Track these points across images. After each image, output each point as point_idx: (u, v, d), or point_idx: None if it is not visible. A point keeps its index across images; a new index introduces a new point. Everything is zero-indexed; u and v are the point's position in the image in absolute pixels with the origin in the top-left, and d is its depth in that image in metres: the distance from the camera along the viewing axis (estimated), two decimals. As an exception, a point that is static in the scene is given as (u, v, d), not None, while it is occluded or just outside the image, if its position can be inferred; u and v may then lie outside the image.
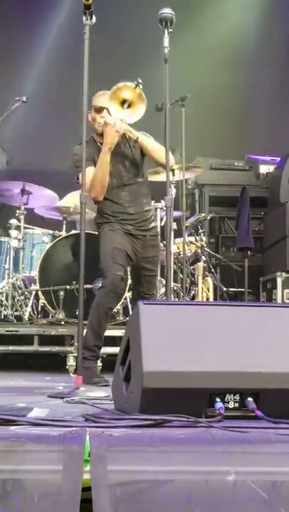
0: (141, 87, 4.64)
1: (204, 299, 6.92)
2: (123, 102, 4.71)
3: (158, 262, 5.32)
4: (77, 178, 4.92)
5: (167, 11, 4.26)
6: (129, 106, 4.70)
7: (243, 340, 2.78)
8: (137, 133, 5.01)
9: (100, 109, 5.02)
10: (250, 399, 2.68)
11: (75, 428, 2.28)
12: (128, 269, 5.06)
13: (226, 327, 2.80)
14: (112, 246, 4.87)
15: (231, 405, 2.69)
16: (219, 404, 2.62)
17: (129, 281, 6.26)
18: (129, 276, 6.14)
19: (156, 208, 6.88)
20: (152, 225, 5.18)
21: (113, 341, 5.84)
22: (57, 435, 2.20)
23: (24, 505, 2.11)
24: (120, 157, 5.06)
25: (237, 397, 2.69)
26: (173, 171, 6.75)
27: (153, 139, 5.02)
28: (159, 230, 5.86)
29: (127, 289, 6.40)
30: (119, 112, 4.71)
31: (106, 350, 5.39)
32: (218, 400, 2.64)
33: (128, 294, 6.54)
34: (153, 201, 6.95)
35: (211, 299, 7.05)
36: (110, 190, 5.03)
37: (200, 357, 2.70)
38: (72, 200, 7.16)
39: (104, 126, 4.91)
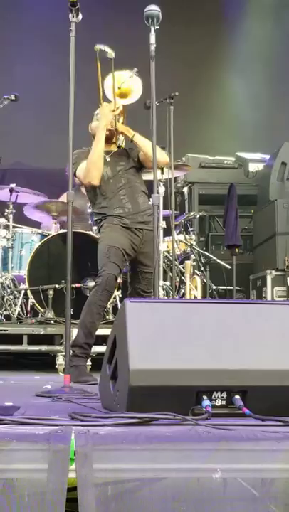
0: (136, 75, 4.75)
1: (192, 297, 6.92)
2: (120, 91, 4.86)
3: (154, 259, 5.30)
4: (74, 175, 4.97)
5: (153, 8, 4.25)
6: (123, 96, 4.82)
7: (230, 337, 2.77)
8: (132, 131, 5.13)
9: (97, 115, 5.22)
10: (237, 396, 2.66)
11: (60, 426, 2.26)
12: (124, 267, 5.04)
13: (212, 324, 2.79)
14: (109, 244, 4.87)
15: (218, 403, 2.67)
16: (206, 402, 2.61)
17: (119, 280, 6.27)
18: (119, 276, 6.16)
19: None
20: (150, 218, 5.18)
21: (103, 340, 5.82)
22: (42, 434, 2.18)
23: (9, 504, 2.10)
24: (116, 155, 5.16)
25: (224, 395, 2.68)
26: (162, 169, 6.74)
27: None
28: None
29: (116, 287, 6.41)
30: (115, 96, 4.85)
31: (96, 349, 5.38)
32: (205, 397, 2.63)
33: (117, 293, 6.54)
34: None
35: (199, 297, 7.04)
36: (106, 182, 5.05)
37: (187, 354, 2.69)
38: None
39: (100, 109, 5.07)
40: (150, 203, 4.92)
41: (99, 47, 4.63)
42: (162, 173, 6.74)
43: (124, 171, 5.13)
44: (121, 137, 5.20)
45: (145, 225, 5.05)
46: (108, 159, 5.12)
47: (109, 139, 5.17)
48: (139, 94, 5.08)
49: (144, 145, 5.02)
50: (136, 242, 5.00)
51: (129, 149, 5.27)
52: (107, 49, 4.59)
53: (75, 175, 5.06)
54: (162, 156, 5.15)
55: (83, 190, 5.93)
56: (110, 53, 4.65)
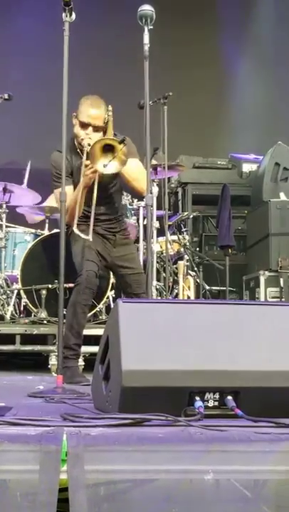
0: (125, 144, 4.60)
1: (185, 298, 6.92)
2: (105, 148, 4.61)
3: (136, 260, 5.26)
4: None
5: (147, 8, 4.25)
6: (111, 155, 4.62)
7: (223, 338, 2.77)
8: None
9: (85, 125, 4.89)
10: (229, 397, 2.66)
11: (52, 427, 2.26)
12: (100, 265, 4.99)
13: (205, 325, 2.79)
14: (82, 245, 4.83)
15: (211, 404, 2.67)
16: (199, 403, 2.61)
17: (112, 280, 6.27)
18: (111, 275, 6.15)
19: (138, 207, 6.88)
20: (122, 227, 5.15)
21: (96, 340, 5.82)
22: (34, 434, 2.18)
23: (1, 505, 2.09)
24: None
25: (216, 396, 2.68)
26: (155, 169, 6.74)
27: (136, 150, 4.96)
28: (141, 228, 5.86)
29: (109, 288, 6.40)
30: (100, 159, 4.64)
31: (89, 349, 5.38)
32: (197, 398, 2.63)
33: (111, 293, 6.54)
34: (136, 200, 6.98)
35: (192, 297, 7.04)
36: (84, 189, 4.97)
37: (179, 355, 2.69)
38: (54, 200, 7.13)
39: (84, 168, 4.78)
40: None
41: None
42: (156, 173, 6.75)
43: (103, 183, 4.95)
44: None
45: (118, 233, 5.04)
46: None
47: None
48: (120, 167, 4.69)
49: (129, 177, 4.86)
50: (108, 247, 5.01)
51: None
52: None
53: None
54: (141, 184, 4.81)
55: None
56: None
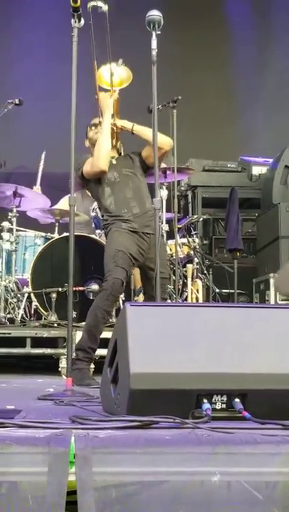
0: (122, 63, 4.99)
1: (194, 301, 6.93)
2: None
3: (166, 265, 5.30)
4: (80, 177, 5.07)
5: (155, 13, 4.27)
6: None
7: (230, 341, 2.78)
8: (131, 124, 5.20)
9: (93, 126, 5.26)
10: (237, 400, 2.68)
11: (60, 430, 2.28)
12: (131, 271, 5.05)
13: (213, 328, 2.81)
14: (116, 248, 4.87)
15: (219, 406, 2.69)
16: (206, 406, 2.62)
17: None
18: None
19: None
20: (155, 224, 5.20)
21: (106, 343, 5.81)
22: (42, 437, 2.20)
23: (10, 507, 2.11)
24: (121, 159, 5.24)
25: (224, 398, 2.70)
26: (165, 173, 6.76)
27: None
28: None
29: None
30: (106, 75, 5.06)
31: (98, 352, 5.39)
32: (205, 401, 2.65)
33: (121, 296, 6.55)
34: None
35: (201, 300, 7.05)
36: (113, 183, 5.07)
37: (187, 358, 2.70)
38: (67, 203, 7.15)
39: (98, 100, 5.19)
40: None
41: (91, 3, 4.48)
42: (165, 177, 6.76)
43: (132, 174, 5.16)
44: (120, 145, 5.25)
45: (151, 230, 5.07)
46: (114, 162, 5.15)
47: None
48: (129, 80, 5.16)
49: (146, 133, 5.05)
50: (143, 247, 5.00)
51: (132, 153, 5.30)
52: (99, 3, 4.46)
53: (81, 177, 5.09)
54: (165, 139, 5.14)
55: (88, 192, 5.96)
56: (104, 7, 4.50)
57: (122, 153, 5.30)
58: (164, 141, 4.98)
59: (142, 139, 5.18)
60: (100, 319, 4.81)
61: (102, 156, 5.03)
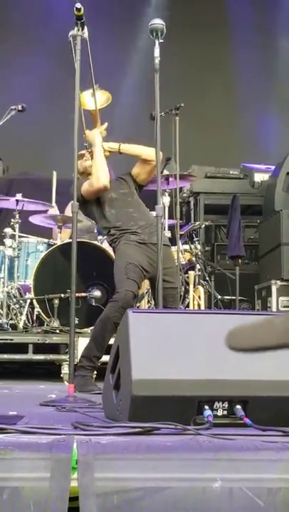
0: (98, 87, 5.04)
1: (196, 307, 6.94)
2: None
3: (175, 274, 5.30)
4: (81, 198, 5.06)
5: (158, 22, 4.30)
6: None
7: (232, 348, 2.79)
8: (116, 144, 5.23)
9: (80, 157, 5.18)
10: (238, 406, 2.69)
11: (63, 436, 2.29)
12: (141, 281, 5.06)
13: (214, 335, 2.81)
14: (127, 261, 4.86)
15: (220, 413, 2.70)
16: (208, 412, 2.64)
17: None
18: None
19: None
20: (162, 233, 5.22)
21: (108, 350, 5.83)
22: (45, 443, 2.21)
23: (13, 513, 2.12)
24: (115, 181, 5.25)
25: (226, 405, 2.71)
26: (167, 179, 6.78)
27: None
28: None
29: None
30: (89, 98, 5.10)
31: (102, 358, 5.40)
32: (206, 407, 2.66)
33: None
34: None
35: (203, 307, 7.06)
36: (113, 202, 5.10)
37: (189, 365, 2.72)
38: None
39: (86, 137, 5.22)
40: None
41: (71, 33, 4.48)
42: (168, 183, 6.78)
43: (128, 192, 5.18)
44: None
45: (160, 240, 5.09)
46: (108, 186, 5.13)
47: None
48: (109, 100, 5.23)
49: (133, 150, 5.17)
50: (153, 258, 4.99)
51: (122, 175, 5.32)
52: (79, 33, 4.26)
53: (80, 200, 5.10)
54: (148, 152, 5.11)
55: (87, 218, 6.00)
56: (84, 34, 4.47)
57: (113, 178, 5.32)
58: (151, 156, 4.99)
59: (131, 156, 5.21)
60: (109, 330, 4.80)
61: (102, 173, 5.05)
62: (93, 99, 5.10)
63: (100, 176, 5.05)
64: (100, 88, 5.14)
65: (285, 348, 1.64)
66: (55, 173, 7.94)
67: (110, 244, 5.27)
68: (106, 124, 5.25)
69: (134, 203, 5.18)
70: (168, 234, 6.83)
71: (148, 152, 4.97)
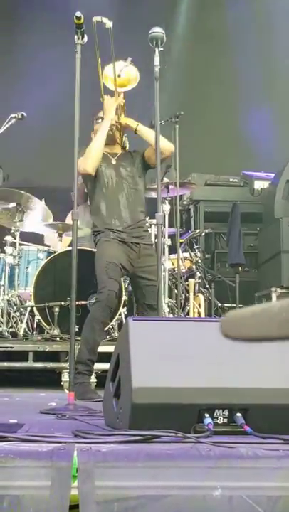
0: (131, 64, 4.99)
1: (196, 315, 6.94)
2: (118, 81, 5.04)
3: (155, 272, 5.30)
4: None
5: (158, 30, 4.32)
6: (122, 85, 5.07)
7: (232, 355, 2.79)
8: (135, 122, 5.22)
9: (99, 118, 5.27)
10: (238, 414, 2.69)
11: (63, 444, 2.29)
12: (122, 283, 5.08)
13: (214, 343, 2.81)
14: (107, 260, 4.91)
15: (220, 421, 2.70)
16: (208, 420, 2.63)
17: (125, 297, 6.30)
18: (124, 293, 6.20)
19: (150, 225, 6.92)
20: (146, 234, 5.23)
21: (108, 358, 5.82)
22: (45, 451, 2.21)
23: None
24: (122, 158, 5.22)
25: (226, 413, 2.71)
26: (167, 187, 6.79)
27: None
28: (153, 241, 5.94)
29: (121, 305, 6.43)
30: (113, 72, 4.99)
31: (101, 366, 5.40)
32: (207, 415, 2.66)
33: (123, 310, 6.56)
34: (147, 217, 7.02)
35: (203, 314, 7.06)
36: (108, 187, 5.10)
37: (189, 373, 2.72)
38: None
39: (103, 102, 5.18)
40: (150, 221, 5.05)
41: (96, 19, 4.46)
42: (168, 191, 6.79)
43: (129, 177, 5.17)
44: (125, 138, 5.26)
45: (141, 240, 5.09)
46: (114, 162, 5.17)
47: (112, 140, 5.24)
48: (137, 80, 5.09)
49: (149, 135, 5.10)
50: (132, 257, 5.04)
51: (134, 152, 5.31)
52: (104, 20, 4.46)
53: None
54: (167, 144, 5.13)
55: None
56: (108, 24, 4.49)
57: (127, 149, 5.31)
58: (166, 147, 5.00)
59: (144, 140, 5.20)
60: (98, 331, 4.83)
61: (91, 158, 5.05)
62: (119, 75, 5.05)
63: (88, 159, 5.05)
64: (132, 63, 5.06)
65: (286, 339, 1.59)
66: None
67: (93, 235, 5.27)
68: (122, 96, 5.23)
69: (130, 194, 5.17)
70: (168, 241, 6.83)
71: (163, 144, 4.83)
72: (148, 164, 5.27)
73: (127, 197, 5.14)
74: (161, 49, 4.30)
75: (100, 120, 5.29)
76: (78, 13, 4.05)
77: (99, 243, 5.06)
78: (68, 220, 7.18)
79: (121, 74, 5.04)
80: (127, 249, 5.03)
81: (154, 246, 5.40)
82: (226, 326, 1.69)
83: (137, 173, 5.22)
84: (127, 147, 5.34)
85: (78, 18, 4.06)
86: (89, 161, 5.05)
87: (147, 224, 5.32)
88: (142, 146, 5.30)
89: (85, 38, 4.13)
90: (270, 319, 1.61)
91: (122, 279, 5.14)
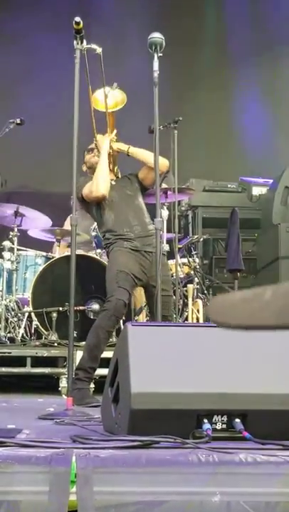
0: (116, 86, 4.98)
1: (194, 321, 6.93)
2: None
3: (169, 282, 5.29)
4: (79, 199, 5.04)
5: (157, 36, 4.32)
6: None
7: (231, 361, 2.80)
8: (126, 146, 5.24)
9: (89, 151, 5.33)
10: (237, 420, 2.69)
11: (62, 449, 2.29)
12: (133, 292, 5.07)
13: (213, 348, 2.82)
14: (118, 269, 4.88)
15: (219, 426, 2.70)
16: (207, 426, 2.63)
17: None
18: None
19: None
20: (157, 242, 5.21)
21: (107, 363, 5.81)
22: (44, 456, 2.21)
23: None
24: (120, 181, 5.30)
25: (224, 419, 2.71)
26: (166, 193, 6.79)
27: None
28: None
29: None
30: (101, 98, 5.02)
31: (99, 371, 5.39)
32: (205, 421, 2.66)
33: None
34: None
35: (201, 320, 7.05)
36: (113, 204, 5.11)
37: (187, 378, 2.72)
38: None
39: (96, 142, 5.22)
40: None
41: (86, 46, 4.42)
42: (166, 197, 6.78)
43: (131, 194, 5.20)
44: (117, 169, 5.32)
45: (152, 248, 5.08)
46: (113, 183, 5.19)
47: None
48: (124, 102, 5.14)
49: (141, 155, 5.16)
50: (146, 266, 5.00)
51: (129, 175, 5.35)
52: (93, 46, 4.39)
53: (81, 199, 5.11)
54: (161, 160, 5.00)
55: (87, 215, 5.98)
56: (98, 50, 4.47)
57: (120, 176, 5.35)
58: (161, 163, 4.99)
59: (138, 160, 5.23)
60: (102, 339, 4.82)
61: (101, 181, 5.07)
62: (107, 98, 5.09)
63: (99, 184, 5.07)
64: (117, 87, 5.10)
65: (284, 328, 1.51)
66: None
67: (104, 248, 5.28)
68: (115, 131, 5.26)
69: (135, 207, 5.19)
70: (166, 247, 6.83)
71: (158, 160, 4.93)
72: (144, 186, 5.29)
73: (133, 208, 5.15)
74: (160, 54, 4.31)
75: (90, 152, 5.31)
76: (77, 19, 4.05)
77: (111, 253, 5.04)
78: (66, 226, 7.19)
79: (108, 98, 5.08)
80: (139, 257, 4.99)
81: (166, 255, 5.43)
82: (213, 311, 1.60)
83: (136, 192, 5.25)
84: (119, 175, 5.38)
85: (77, 23, 4.06)
86: (100, 183, 5.07)
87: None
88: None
89: (84, 43, 4.13)
90: (263, 306, 1.53)
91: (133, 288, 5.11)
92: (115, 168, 5.37)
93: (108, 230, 5.12)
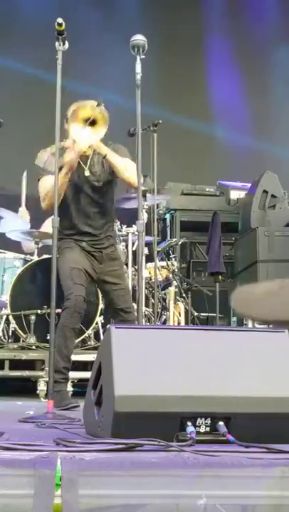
0: (103, 107, 4.69)
1: (176, 324, 6.93)
2: (85, 121, 4.72)
3: (122, 276, 5.27)
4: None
5: (139, 38, 4.31)
6: (91, 124, 4.71)
7: (214, 364, 2.79)
8: (106, 149, 4.96)
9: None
10: (221, 423, 2.68)
11: (46, 452, 2.26)
12: (87, 285, 5.02)
13: (197, 351, 2.81)
14: (70, 266, 4.87)
15: (203, 429, 2.69)
16: (190, 429, 2.62)
17: (101, 306, 6.28)
18: (100, 301, 6.17)
19: (127, 233, 6.91)
20: (109, 243, 5.16)
21: (84, 366, 5.83)
22: (28, 459, 2.18)
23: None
24: (89, 171, 5.04)
25: (208, 421, 2.69)
26: (145, 196, 6.77)
27: (128, 152, 5.02)
28: (130, 254, 5.89)
29: (98, 313, 6.41)
30: (79, 131, 4.72)
31: (77, 375, 5.38)
32: (189, 424, 2.64)
33: (99, 319, 6.53)
34: (124, 226, 7.00)
35: (183, 323, 7.06)
36: (70, 201, 5.02)
37: (171, 381, 2.70)
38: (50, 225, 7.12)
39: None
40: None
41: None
42: (145, 200, 6.77)
43: (98, 188, 5.05)
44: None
45: (104, 250, 5.06)
46: (87, 174, 4.95)
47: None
48: (104, 130, 4.80)
49: (118, 166, 4.94)
50: (94, 264, 5.02)
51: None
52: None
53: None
54: (133, 177, 4.79)
55: None
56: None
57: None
58: (130, 180, 4.89)
59: (113, 167, 5.03)
60: (69, 337, 4.80)
61: (49, 200, 4.86)
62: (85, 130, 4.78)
63: (46, 202, 4.96)
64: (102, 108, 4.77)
65: None
66: (25, 174, 7.87)
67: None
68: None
69: (98, 207, 5.07)
70: (145, 250, 6.81)
71: (130, 177, 4.81)
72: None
73: (89, 207, 5.03)
74: (143, 56, 4.30)
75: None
76: (59, 20, 4.04)
77: (60, 250, 4.88)
78: (44, 228, 7.16)
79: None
80: (88, 255, 5.01)
81: (117, 250, 5.39)
82: (238, 304, 1.60)
83: (107, 182, 5.09)
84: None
85: (59, 25, 4.05)
86: (47, 202, 4.93)
87: (112, 235, 5.25)
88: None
89: (66, 45, 4.11)
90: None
91: (92, 284, 5.10)
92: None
93: (64, 225, 4.95)
